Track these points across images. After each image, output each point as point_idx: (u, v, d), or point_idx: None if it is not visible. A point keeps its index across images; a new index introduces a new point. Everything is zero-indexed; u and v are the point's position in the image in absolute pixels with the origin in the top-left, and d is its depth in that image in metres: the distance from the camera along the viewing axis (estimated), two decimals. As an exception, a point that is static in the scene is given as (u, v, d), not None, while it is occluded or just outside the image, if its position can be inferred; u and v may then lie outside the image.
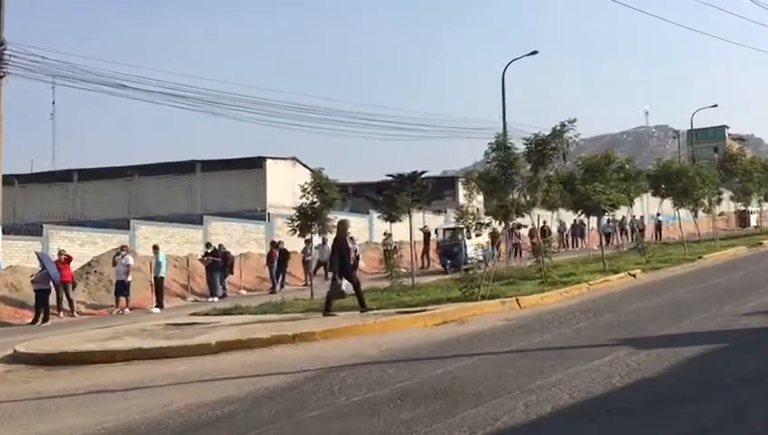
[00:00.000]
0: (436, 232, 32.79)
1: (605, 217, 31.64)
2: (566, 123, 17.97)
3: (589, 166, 24.91)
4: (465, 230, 28.01)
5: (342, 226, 16.19)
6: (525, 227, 33.59)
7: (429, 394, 7.57)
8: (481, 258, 25.87)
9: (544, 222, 35.34)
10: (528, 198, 19.78)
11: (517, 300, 15.60)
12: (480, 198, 28.37)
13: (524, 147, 18.42)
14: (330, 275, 29.69)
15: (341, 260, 15.30)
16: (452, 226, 30.61)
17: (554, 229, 39.12)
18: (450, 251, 30.30)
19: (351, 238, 16.06)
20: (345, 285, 15.14)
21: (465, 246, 29.35)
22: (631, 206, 30.28)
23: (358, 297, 15.22)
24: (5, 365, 12.59)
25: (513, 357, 9.59)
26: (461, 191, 37.77)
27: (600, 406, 6.85)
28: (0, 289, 22.40)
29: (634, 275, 20.65)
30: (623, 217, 39.57)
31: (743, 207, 49.83)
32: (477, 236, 27.69)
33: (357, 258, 15.73)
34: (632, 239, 36.50)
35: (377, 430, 6.47)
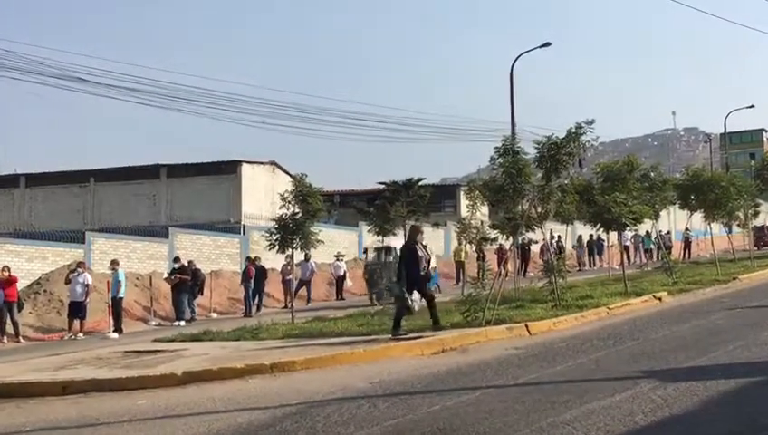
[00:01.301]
0: (364, 251, 30.02)
1: (629, 231, 31.73)
2: (583, 125, 17.99)
3: (608, 173, 24.95)
4: (399, 251, 26.74)
5: (414, 231, 16.24)
6: (536, 242, 33.74)
7: (426, 433, 7.57)
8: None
9: (558, 237, 35.46)
10: (539, 210, 19.81)
11: (526, 326, 15.59)
12: (485, 209, 28.44)
13: (536, 151, 18.45)
14: (310, 296, 29.73)
15: (409, 271, 15.20)
16: (381, 244, 27.33)
17: (569, 245, 39.27)
18: (378, 276, 26.73)
19: (425, 246, 15.88)
20: (416, 299, 15.00)
21: None
22: (656, 219, 30.37)
23: (431, 313, 15.19)
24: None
25: (521, 391, 9.58)
26: (463, 201, 38.00)
27: (620, 447, 6.85)
28: (-65, 311, 22.30)
29: (660, 299, 20.67)
30: (647, 232, 39.71)
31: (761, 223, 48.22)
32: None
33: (428, 268, 15.49)
34: (658, 257, 36.62)
35: (366, 473, 6.46)
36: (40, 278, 26.21)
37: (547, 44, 42.84)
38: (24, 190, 43.68)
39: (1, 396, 12.03)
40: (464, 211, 37.30)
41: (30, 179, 43.95)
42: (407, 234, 16.67)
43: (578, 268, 39.76)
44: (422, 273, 15.31)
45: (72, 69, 35.32)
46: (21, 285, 23.53)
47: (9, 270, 22.53)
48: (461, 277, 30.86)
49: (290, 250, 21.13)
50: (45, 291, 25.48)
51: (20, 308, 22.54)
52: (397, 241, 23.22)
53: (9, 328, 21.91)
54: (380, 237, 21.95)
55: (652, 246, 38.80)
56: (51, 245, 29.34)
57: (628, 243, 38.74)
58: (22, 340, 21.92)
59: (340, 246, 34.54)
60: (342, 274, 31.81)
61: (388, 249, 26.38)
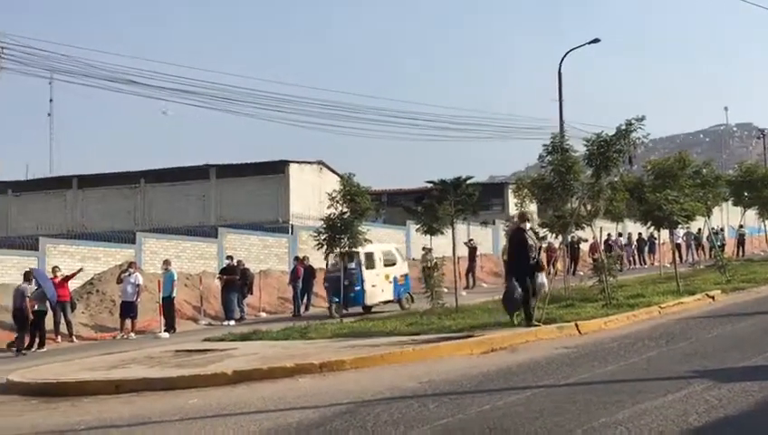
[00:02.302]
0: (325, 257, 26.65)
1: (681, 229, 31.31)
2: (633, 122, 17.79)
3: (659, 171, 24.67)
4: (364, 256, 24.80)
5: (522, 218, 16.14)
6: (586, 241, 33.45)
7: (476, 433, 7.55)
8: (390, 298, 25.32)
9: (608, 235, 35.12)
10: (589, 208, 19.64)
11: (577, 325, 15.47)
12: (533, 207, 28.25)
13: (585, 149, 18.29)
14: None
15: (519, 259, 15.22)
16: (346, 249, 24.58)
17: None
18: (339, 285, 24.07)
19: (536, 233, 15.79)
20: (544, 282, 15.11)
21: (362, 280, 24.74)
22: (709, 216, 29.95)
23: (524, 307, 15.16)
24: (-3, 396, 12.80)
25: (572, 391, 9.51)
26: (511, 200, 37.79)
27: (674, 448, 6.78)
28: (-9, 310, 22.75)
29: (713, 297, 20.40)
30: (699, 230, 39.18)
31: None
32: (389, 265, 25.62)
33: (539, 256, 15.31)
34: (710, 255, 36.11)
35: (416, 473, 6.46)
36: (92, 278, 26.60)
37: (596, 41, 42.42)
38: (76, 192, 44.33)
39: (56, 395, 12.27)
40: (512, 209, 37.14)
41: (82, 181, 44.58)
42: (515, 220, 16.48)
43: (628, 267, 39.33)
44: (531, 262, 15.16)
45: (123, 71, 35.99)
46: (74, 285, 23.90)
47: (58, 270, 22.89)
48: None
49: (338, 249, 21.19)
50: (98, 291, 25.85)
51: (73, 308, 22.90)
52: (445, 241, 23.07)
53: (63, 328, 22.27)
54: (428, 236, 21.88)
55: (717, 243, 38.21)
56: (103, 245, 29.77)
57: (680, 241, 38.27)
58: (75, 339, 22.27)
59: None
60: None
61: (351, 255, 24.41)
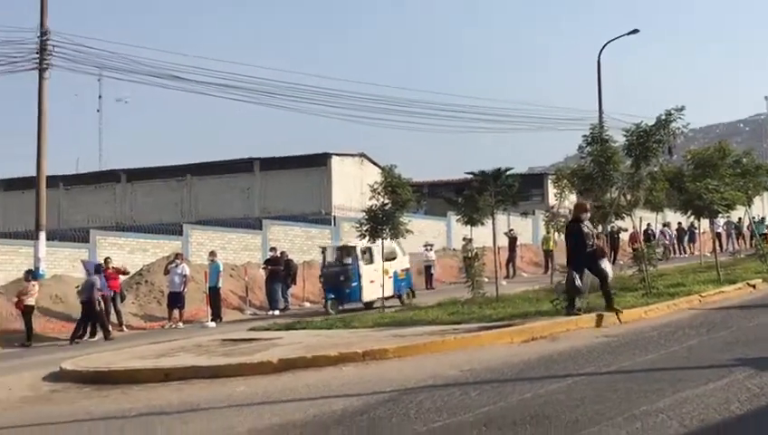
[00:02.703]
0: (322, 251, 26.75)
1: (721, 218, 30.88)
2: (673, 112, 17.60)
3: (699, 160, 24.34)
4: (361, 252, 24.02)
5: (579, 209, 15.85)
6: (625, 230, 33.16)
7: (518, 420, 7.52)
8: (389, 293, 23.64)
9: (648, 224, 34.78)
10: (629, 198, 19.48)
11: (617, 314, 15.35)
12: (573, 197, 28.07)
13: (624, 139, 18.13)
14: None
15: (576, 249, 15.06)
16: (342, 243, 25.39)
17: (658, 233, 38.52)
18: (335, 280, 23.99)
19: (592, 222, 15.60)
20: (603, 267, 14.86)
21: (360, 276, 23.92)
22: (749, 206, 29.52)
23: (604, 294, 14.99)
24: (51, 384, 13.02)
25: (613, 379, 9.45)
26: (551, 190, 37.59)
27: (715, 436, 6.71)
28: (44, 301, 23.12)
29: (754, 286, 20.11)
30: (739, 219, 38.66)
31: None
32: (389, 260, 24.07)
33: (596, 244, 15.16)
34: (751, 244, 35.61)
35: (459, 460, 6.46)
36: (141, 269, 26.93)
37: (635, 31, 42.04)
38: (125, 185, 44.89)
39: (107, 382, 12.45)
40: (551, 200, 36.94)
41: (131, 175, 45.13)
42: (571, 211, 16.35)
43: (669, 256, 38.94)
44: (588, 250, 15.04)
45: (168, 67, 36.45)
46: (123, 276, 24.20)
47: (110, 262, 23.19)
48: (549, 266, 30.57)
49: (380, 240, 21.24)
50: (146, 282, 26.17)
51: (122, 298, 23.20)
52: (485, 231, 22.94)
53: (113, 317, 22.58)
54: (469, 227, 21.80)
55: (765, 231, 37.47)
56: (151, 237, 30.14)
57: (720, 230, 37.79)
58: (125, 328, 22.57)
59: (428, 235, 34.54)
60: (432, 263, 31.80)
61: (349, 250, 24.42)
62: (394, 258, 24.58)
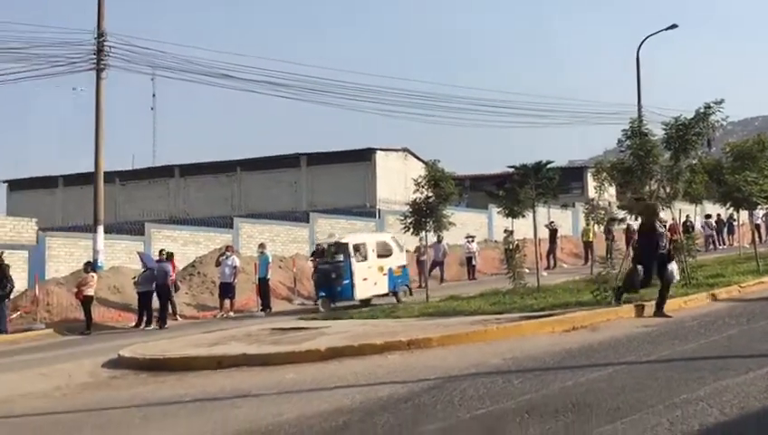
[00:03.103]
0: (317, 248, 25.86)
1: (760, 210, 30.42)
2: (712, 105, 17.37)
3: (738, 153, 23.98)
4: (354, 248, 22.76)
5: (651, 209, 15.59)
6: (665, 222, 32.77)
7: (559, 408, 7.48)
8: (384, 291, 22.99)
9: (687, 216, 34.33)
10: (668, 190, 19.24)
11: (657, 304, 15.17)
12: (612, 190, 27.80)
13: (663, 133, 17.92)
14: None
15: (649, 249, 14.72)
16: (335, 240, 24.17)
17: (698, 225, 38.01)
18: (327, 278, 22.60)
19: (662, 222, 15.25)
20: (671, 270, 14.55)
21: (352, 273, 22.46)
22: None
23: (661, 296, 14.59)
24: (110, 370, 13.21)
25: (653, 368, 9.35)
26: (590, 183, 37.30)
27: (755, 424, 6.62)
28: (102, 291, 23.47)
29: (793, 277, 19.77)
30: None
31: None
32: (384, 256, 23.29)
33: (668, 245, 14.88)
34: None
35: (502, 446, 6.45)
36: (194, 261, 27.21)
37: (673, 26, 41.48)
38: (178, 180, 45.35)
39: (163, 369, 12.61)
40: (591, 193, 36.61)
41: (183, 170, 45.58)
42: (641, 212, 16.06)
43: (707, 248, 38.41)
44: (661, 251, 14.70)
45: (218, 66, 36.74)
46: (177, 267, 24.45)
47: (165, 254, 23.47)
48: (589, 257, 30.33)
49: (423, 232, 21.23)
50: (199, 273, 26.42)
51: (176, 289, 23.45)
52: (525, 223, 22.77)
53: (168, 307, 22.84)
54: (510, 219, 21.72)
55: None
56: (203, 230, 30.44)
57: (759, 221, 37.19)
58: (179, 318, 22.81)
59: (470, 228, 34.42)
60: (474, 254, 31.72)
61: (340, 246, 23.11)
62: (389, 255, 23.50)
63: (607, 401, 7.55)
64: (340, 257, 22.61)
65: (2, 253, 22.28)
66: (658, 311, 14.38)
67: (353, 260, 22.36)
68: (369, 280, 22.40)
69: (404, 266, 24.05)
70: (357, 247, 22.78)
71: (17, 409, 10.43)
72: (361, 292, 22.46)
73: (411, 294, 23.49)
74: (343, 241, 22.96)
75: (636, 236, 17.13)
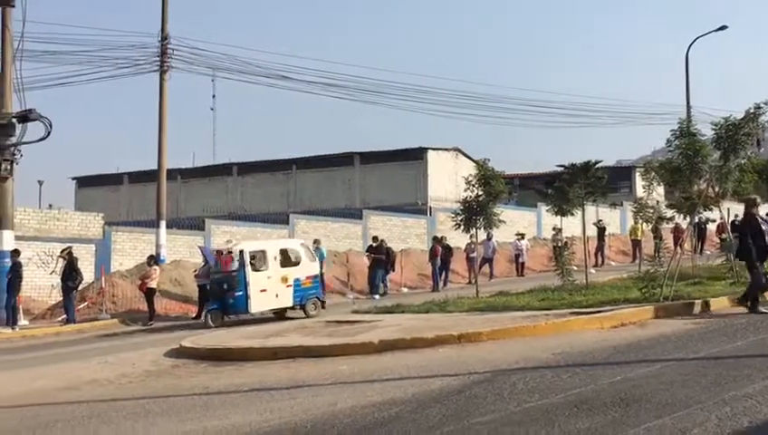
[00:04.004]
0: (203, 258, 22.61)
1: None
2: (762, 105, 17.03)
3: (788, 152, 23.51)
4: (250, 256, 20.00)
5: (749, 203, 14.95)
6: (713, 221, 32.22)
7: (608, 402, 7.39)
8: (288, 304, 20.31)
9: (736, 216, 33.68)
10: (717, 190, 18.91)
11: (705, 302, 14.92)
12: (660, 189, 27.39)
13: (713, 133, 17.62)
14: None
15: (754, 243, 14.14)
16: (230, 247, 20.76)
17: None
18: (218, 289, 19.94)
19: (764, 218, 14.77)
20: None
21: (246, 284, 19.62)
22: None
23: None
24: (172, 359, 13.41)
25: (702, 364, 9.20)
26: (638, 182, 36.74)
27: (805, 422, 6.46)
28: (164, 284, 23.81)
29: (843, 276, 19.26)
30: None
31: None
32: (290, 265, 20.65)
33: None
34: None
35: (552, 438, 6.39)
36: (252, 255, 27.42)
37: (723, 28, 40.73)
38: (236, 178, 45.84)
39: (222, 359, 12.76)
40: (639, 192, 36.11)
41: (241, 168, 46.06)
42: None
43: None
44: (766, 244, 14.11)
45: (276, 68, 37.01)
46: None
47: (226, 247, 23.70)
48: (637, 255, 29.96)
49: (473, 230, 21.16)
50: (256, 267, 26.61)
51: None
52: (574, 222, 22.53)
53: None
54: (559, 217, 21.51)
55: None
56: (260, 226, 30.70)
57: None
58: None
59: (519, 225, 34.24)
60: (522, 251, 31.54)
61: (236, 254, 19.98)
62: (297, 264, 20.81)
63: (655, 397, 7.45)
64: (235, 266, 19.82)
65: (71, 247, 22.74)
66: (744, 298, 14.00)
67: (248, 270, 19.67)
68: (268, 292, 19.87)
69: (315, 276, 21.21)
70: (254, 255, 20.18)
71: (84, 395, 10.64)
72: (258, 305, 19.79)
73: (324, 307, 21.22)
74: (237, 248, 20.16)
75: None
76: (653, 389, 7.83)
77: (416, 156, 41.66)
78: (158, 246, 26.53)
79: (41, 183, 59.12)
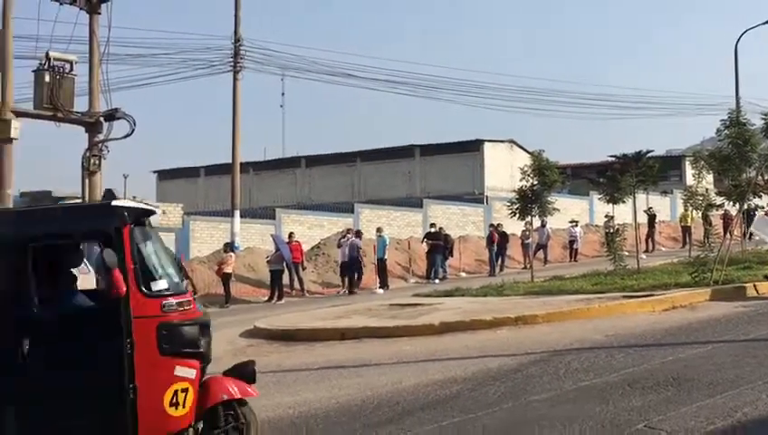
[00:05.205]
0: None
1: None
2: (811, 95, 16.55)
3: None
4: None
5: None
6: (762, 208, 31.43)
7: (661, 382, 7.31)
8: None
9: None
10: (766, 177, 18.44)
11: (755, 286, 14.57)
12: (710, 177, 26.79)
13: (762, 122, 17.18)
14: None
15: None
16: None
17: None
18: None
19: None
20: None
21: None
22: None
23: None
24: (246, 339, 13.61)
25: (751, 346, 9.01)
26: (689, 171, 35.96)
27: None
28: (239, 269, 24.12)
29: None
30: None
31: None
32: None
33: None
34: None
35: (607, 416, 6.34)
36: (319, 243, 27.63)
37: (771, 20, 39.54)
38: (303, 170, 46.16)
39: (293, 340, 12.91)
40: (689, 180, 35.37)
41: (308, 161, 46.36)
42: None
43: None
44: None
45: (341, 66, 37.26)
46: (303, 248, 24.87)
47: (294, 236, 23.95)
48: (687, 241, 29.38)
49: (529, 217, 20.98)
50: (323, 254, 26.81)
51: (304, 268, 23.86)
52: (624, 209, 22.05)
53: (296, 284, 23.29)
54: (610, 205, 21.17)
55: None
56: (326, 215, 30.88)
57: None
58: (306, 294, 23.22)
59: (572, 213, 33.80)
60: (576, 238, 31.16)
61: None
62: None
63: (706, 377, 7.34)
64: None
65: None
66: None
67: None
68: None
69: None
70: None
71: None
72: None
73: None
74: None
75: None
76: (704, 369, 7.71)
77: (473, 148, 41.44)
78: (232, 234, 26.88)
79: (125, 176, 60.12)
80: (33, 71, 21.20)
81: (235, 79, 27.62)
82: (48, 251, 5.71)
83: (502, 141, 42.80)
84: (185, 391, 5.55)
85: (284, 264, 22.53)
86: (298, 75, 32.01)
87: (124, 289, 5.40)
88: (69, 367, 5.43)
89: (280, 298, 21.92)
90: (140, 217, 5.96)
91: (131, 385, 5.37)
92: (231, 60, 27.44)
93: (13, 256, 5.51)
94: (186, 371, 5.58)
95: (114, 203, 5.78)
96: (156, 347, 5.44)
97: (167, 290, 5.73)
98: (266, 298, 22.39)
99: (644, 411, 6.31)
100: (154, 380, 5.44)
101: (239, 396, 5.97)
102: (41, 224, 5.84)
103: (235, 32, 27.53)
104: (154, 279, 5.69)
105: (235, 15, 27.61)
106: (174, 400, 5.49)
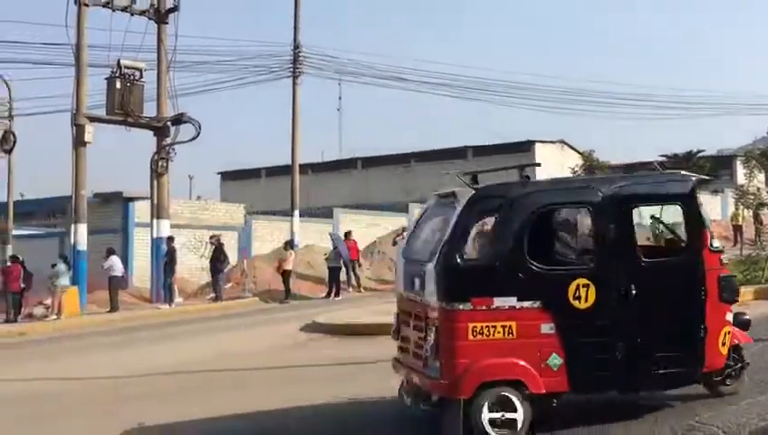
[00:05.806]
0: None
1: None
2: None
3: None
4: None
5: None
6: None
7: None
8: None
9: None
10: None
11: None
12: (761, 176, 26.26)
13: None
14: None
15: None
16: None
17: None
18: None
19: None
20: None
21: None
22: None
23: None
24: (307, 334, 13.77)
25: None
26: (739, 170, 35.23)
27: None
28: (299, 266, 24.35)
29: None
30: None
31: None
32: None
33: None
34: None
35: (658, 413, 6.25)
36: (375, 241, 27.75)
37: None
38: (360, 171, 46.41)
39: (350, 334, 13.03)
40: (740, 179, 34.63)
41: (365, 162, 46.58)
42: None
43: None
44: None
45: (393, 70, 37.26)
46: (360, 246, 25.00)
47: (351, 235, 24.07)
48: (738, 239, 28.75)
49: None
50: (379, 251, 26.90)
51: (360, 265, 23.95)
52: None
53: (353, 280, 23.41)
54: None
55: None
56: (382, 214, 31.02)
57: None
58: (362, 290, 23.31)
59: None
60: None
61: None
62: None
63: (757, 374, 7.20)
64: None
65: (220, 234, 23.61)
66: None
67: None
68: None
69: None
70: None
71: (234, 364, 11.06)
72: None
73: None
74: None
75: None
76: (756, 366, 7.55)
77: (524, 148, 41.11)
78: (292, 232, 27.18)
79: (191, 178, 61.23)
80: (105, 78, 21.78)
81: (294, 84, 27.92)
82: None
83: (552, 142, 42.39)
84: (728, 333, 6.45)
85: (342, 261, 22.67)
86: (354, 80, 32.17)
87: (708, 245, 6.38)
88: (664, 309, 6.23)
89: (337, 294, 22.05)
90: (701, 184, 7.19)
91: (702, 326, 6.24)
92: (290, 66, 27.72)
93: (621, 217, 6.45)
94: (730, 316, 6.52)
95: (684, 172, 7.08)
96: (717, 295, 6.34)
97: (721, 247, 6.93)
98: (324, 294, 22.55)
99: (689, 408, 6.23)
100: (715, 322, 6.32)
101: (742, 342, 6.82)
102: (642, 187, 6.98)
103: (294, 39, 27.82)
104: (713, 237, 6.68)
105: (295, 22, 27.90)
106: (723, 340, 6.36)
